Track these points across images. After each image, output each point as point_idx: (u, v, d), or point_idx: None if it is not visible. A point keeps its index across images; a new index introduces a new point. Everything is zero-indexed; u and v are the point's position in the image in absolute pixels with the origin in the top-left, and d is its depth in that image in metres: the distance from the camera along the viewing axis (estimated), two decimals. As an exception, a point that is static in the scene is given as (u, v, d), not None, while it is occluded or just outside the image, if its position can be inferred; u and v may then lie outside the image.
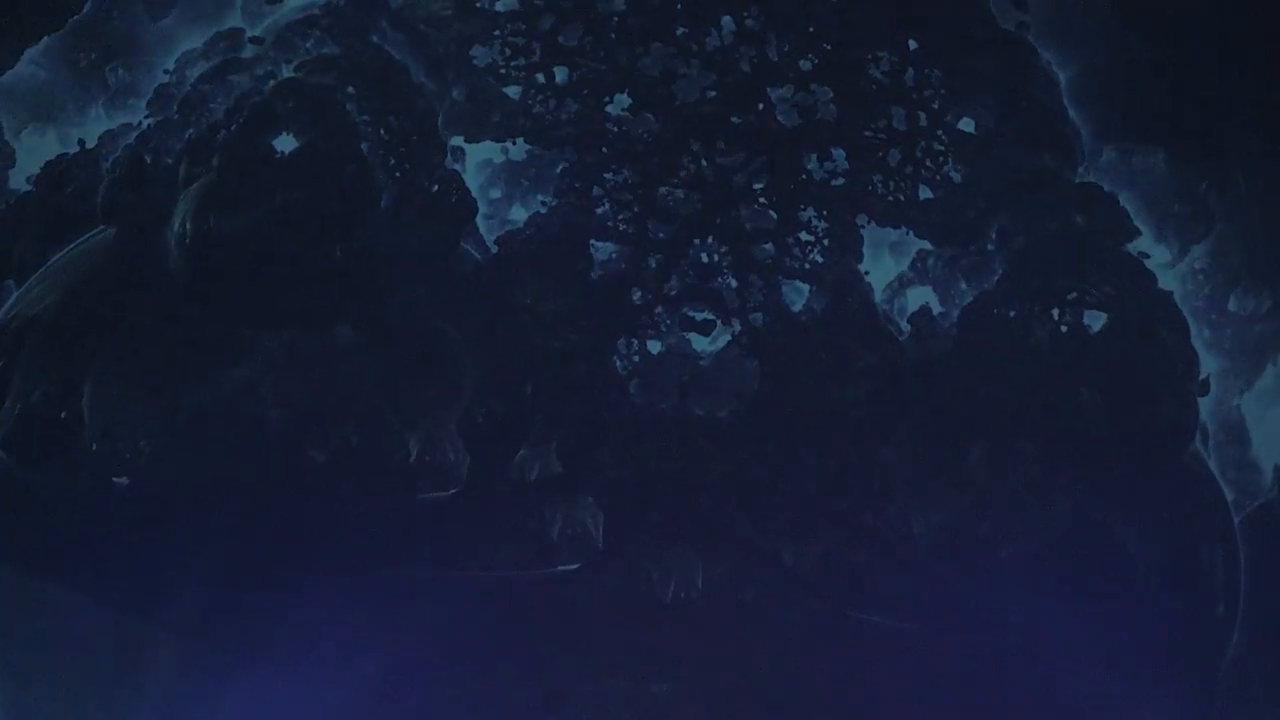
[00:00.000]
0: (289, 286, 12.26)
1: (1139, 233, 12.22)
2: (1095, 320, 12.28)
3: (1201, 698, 11.86)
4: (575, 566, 13.69)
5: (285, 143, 12.00)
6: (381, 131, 12.06)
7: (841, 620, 12.30)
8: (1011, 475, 12.33)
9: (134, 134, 12.40)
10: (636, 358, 13.97)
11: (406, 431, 14.00)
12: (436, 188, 12.68)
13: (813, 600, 12.45)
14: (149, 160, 12.15)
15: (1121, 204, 12.28)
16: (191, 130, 12.05)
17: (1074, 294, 12.24)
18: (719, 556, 13.04)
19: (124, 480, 12.82)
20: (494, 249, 13.75)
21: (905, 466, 12.67)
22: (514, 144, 13.70)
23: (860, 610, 12.36)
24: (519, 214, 14.97)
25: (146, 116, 12.61)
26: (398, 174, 12.39)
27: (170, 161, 12.16)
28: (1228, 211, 13.13)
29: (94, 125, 12.98)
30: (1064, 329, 12.27)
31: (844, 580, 12.52)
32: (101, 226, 12.49)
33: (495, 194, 14.03)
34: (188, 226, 11.97)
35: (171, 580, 12.47)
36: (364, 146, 11.89)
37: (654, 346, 13.96)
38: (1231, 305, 13.11)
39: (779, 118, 13.02)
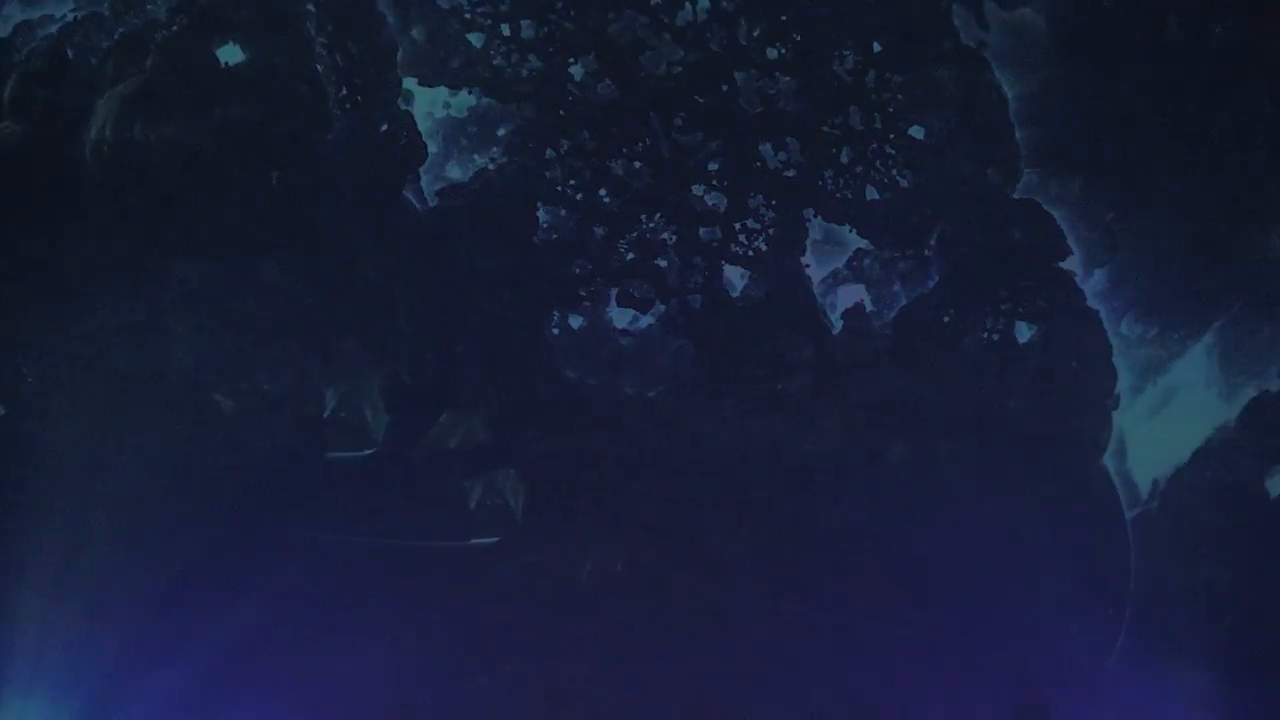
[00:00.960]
0: (215, 212, 11.28)
1: (1071, 251, 12.80)
2: (1025, 331, 12.78)
3: (1091, 695, 12.40)
4: (492, 540, 13.19)
5: (231, 54, 11.08)
6: (338, 57, 11.29)
7: (765, 606, 12.28)
8: (932, 474, 12.65)
9: (56, 26, 11.13)
10: (573, 329, 13.62)
11: (325, 384, 13.17)
12: (387, 127, 12.00)
13: (738, 585, 12.40)
14: (71, 55, 10.94)
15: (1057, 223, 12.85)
16: (124, 27, 10.93)
17: (1007, 304, 12.70)
18: (642, 538, 12.83)
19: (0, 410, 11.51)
20: (434, 201, 13.15)
21: (830, 459, 12.81)
22: (462, 95, 13.17)
23: (783, 597, 12.38)
24: (454, 173, 14.42)
25: (73, 10, 11.35)
26: (349, 105, 11.66)
27: (95, 61, 11.00)
28: (1129, 242, 13.94)
29: (10, 13, 11.49)
30: (995, 337, 12.71)
31: (768, 566, 12.52)
32: (5, 123, 11.13)
33: (432, 148, 13.42)
34: (108, 132, 10.87)
35: (46, 521, 11.25)
36: (318, 69, 11.11)
37: (590, 320, 13.66)
38: (1124, 329, 13.90)
39: (741, 102, 13.00)
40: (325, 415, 12.80)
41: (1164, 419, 13.78)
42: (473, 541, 12.98)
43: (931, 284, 13.20)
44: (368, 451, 12.80)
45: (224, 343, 11.92)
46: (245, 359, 12.16)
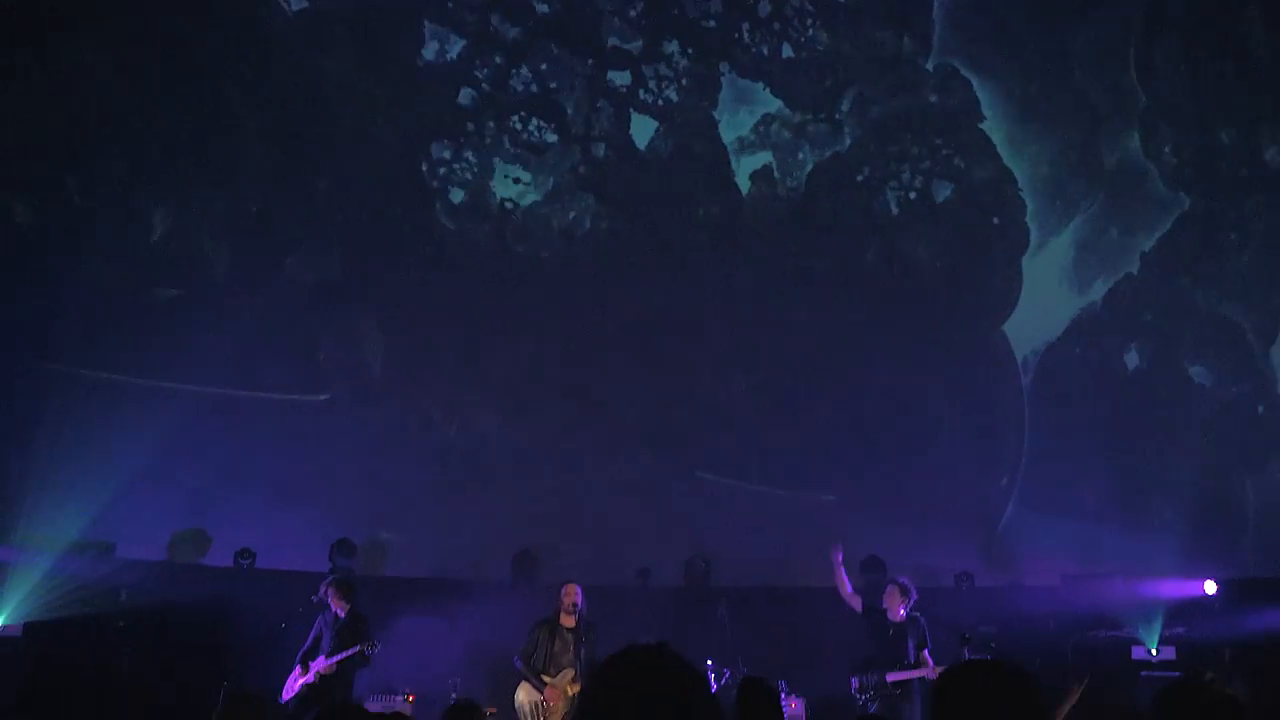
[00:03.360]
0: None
1: (984, 117, 12.34)
2: (942, 190, 12.22)
3: (980, 551, 11.97)
4: (342, 395, 11.48)
5: None
6: None
7: (665, 476, 11.23)
8: (835, 335, 11.93)
9: None
10: (455, 169, 12.06)
11: (154, 206, 11.04)
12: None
13: (640, 454, 11.28)
14: None
15: (975, 88, 12.34)
16: None
17: (926, 163, 12.12)
18: (534, 405, 11.51)
19: None
20: (306, 4, 11.28)
21: (732, 323, 11.91)
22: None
23: (681, 466, 11.38)
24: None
25: None
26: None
27: None
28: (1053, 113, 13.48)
29: None
30: (911, 195, 12.10)
31: (668, 434, 11.48)
32: None
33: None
34: None
35: None
36: None
37: (477, 161, 12.13)
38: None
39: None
40: (154, 240, 10.76)
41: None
42: (324, 397, 11.31)
43: (842, 149, 12.48)
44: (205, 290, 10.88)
45: (24, 142, 9.71)
46: (52, 162, 9.97)
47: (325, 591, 7.67)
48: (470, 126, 11.75)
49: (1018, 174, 12.13)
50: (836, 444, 11.34)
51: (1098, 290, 12.27)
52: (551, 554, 10.36)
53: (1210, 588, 9.35)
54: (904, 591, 8.19)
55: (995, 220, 11.82)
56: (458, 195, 11.86)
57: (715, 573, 10.36)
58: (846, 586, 8.20)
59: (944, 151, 12.10)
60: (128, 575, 8.96)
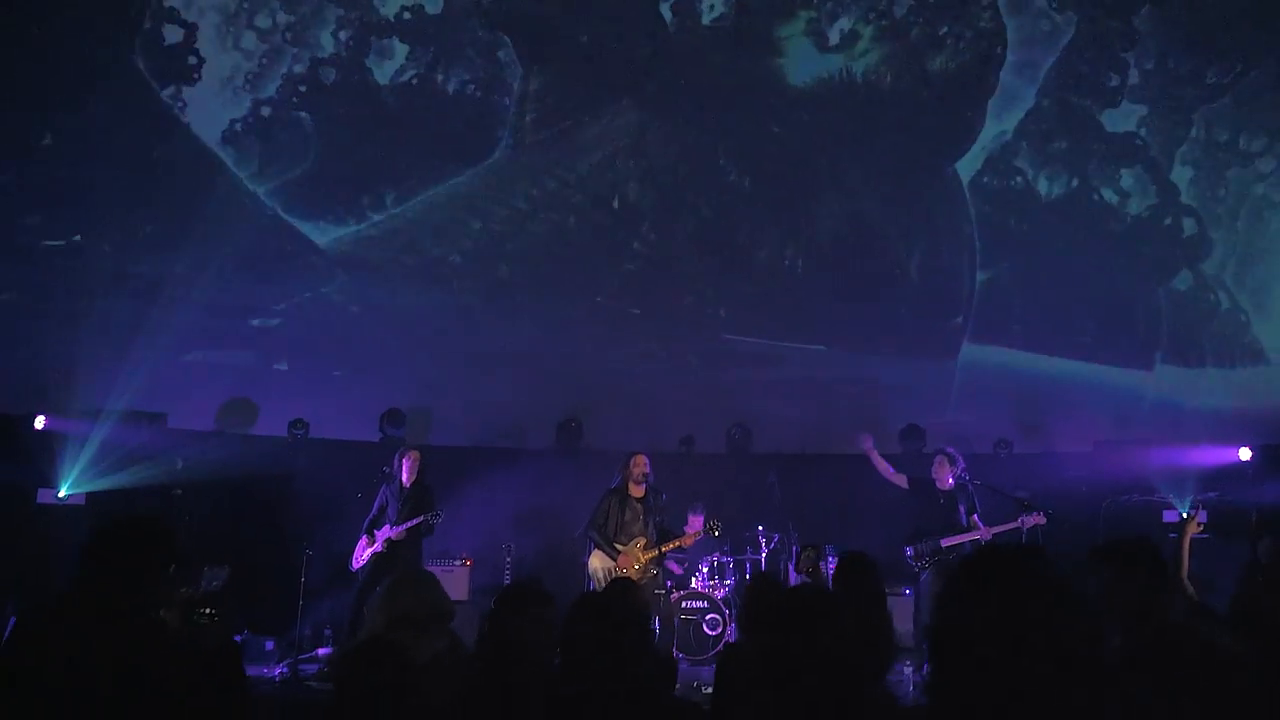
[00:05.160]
0: None
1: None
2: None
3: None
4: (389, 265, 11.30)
5: None
6: None
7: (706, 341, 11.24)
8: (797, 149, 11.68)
9: None
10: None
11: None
12: None
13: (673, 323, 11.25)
14: None
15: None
16: None
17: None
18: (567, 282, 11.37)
19: None
20: None
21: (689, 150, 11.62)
22: None
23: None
24: None
25: None
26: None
27: None
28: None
29: None
30: (883, 24, 11.59)
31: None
32: None
33: None
34: None
35: None
36: None
37: None
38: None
39: None
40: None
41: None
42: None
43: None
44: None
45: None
46: None
47: (399, 461, 7.76)
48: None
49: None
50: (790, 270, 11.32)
51: (1008, 121, 11.89)
52: (594, 423, 10.50)
53: (1245, 454, 9.55)
54: (951, 460, 8.37)
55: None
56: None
57: (756, 441, 10.52)
58: (888, 471, 8.37)
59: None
60: (182, 446, 9.05)
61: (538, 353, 10.96)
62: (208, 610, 3.26)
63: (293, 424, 9.54)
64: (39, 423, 8.52)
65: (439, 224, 11.29)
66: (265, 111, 10.66)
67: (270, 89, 10.69)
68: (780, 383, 11.26)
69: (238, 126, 10.62)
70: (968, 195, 11.74)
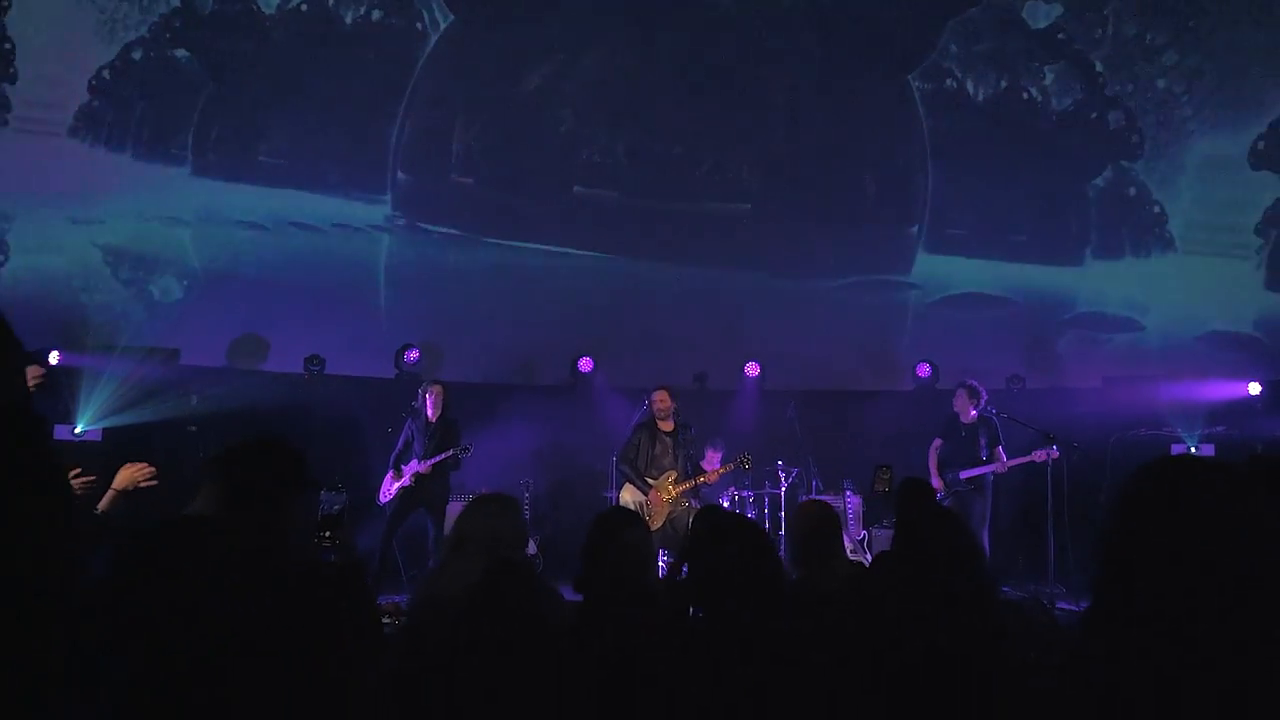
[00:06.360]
0: None
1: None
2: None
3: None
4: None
5: None
6: None
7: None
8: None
9: None
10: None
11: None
12: None
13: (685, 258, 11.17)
14: None
15: None
16: None
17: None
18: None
19: None
20: None
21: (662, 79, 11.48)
22: None
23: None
24: None
25: None
26: None
27: None
28: None
29: None
30: None
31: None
32: None
33: None
34: None
35: None
36: None
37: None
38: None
39: None
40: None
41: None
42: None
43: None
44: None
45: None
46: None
47: (425, 396, 7.72)
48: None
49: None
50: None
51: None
52: (607, 359, 10.46)
53: (1254, 389, 9.66)
54: (972, 393, 8.43)
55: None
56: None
57: (770, 377, 10.54)
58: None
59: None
60: (195, 381, 8.95)
61: (549, 288, 10.89)
62: (327, 534, 3.24)
63: (308, 360, 9.45)
64: (53, 358, 8.39)
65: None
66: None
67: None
68: (794, 320, 11.23)
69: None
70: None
